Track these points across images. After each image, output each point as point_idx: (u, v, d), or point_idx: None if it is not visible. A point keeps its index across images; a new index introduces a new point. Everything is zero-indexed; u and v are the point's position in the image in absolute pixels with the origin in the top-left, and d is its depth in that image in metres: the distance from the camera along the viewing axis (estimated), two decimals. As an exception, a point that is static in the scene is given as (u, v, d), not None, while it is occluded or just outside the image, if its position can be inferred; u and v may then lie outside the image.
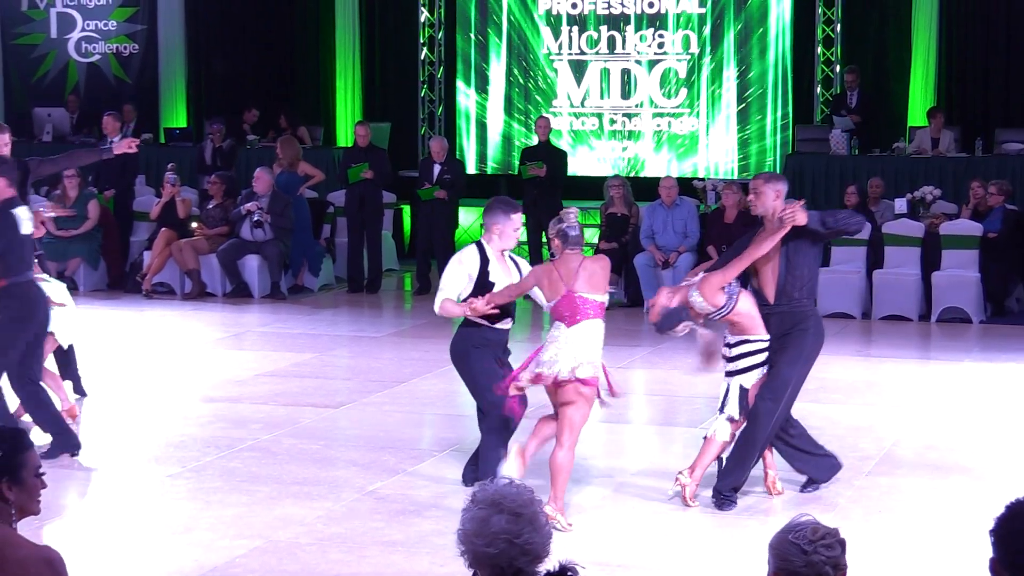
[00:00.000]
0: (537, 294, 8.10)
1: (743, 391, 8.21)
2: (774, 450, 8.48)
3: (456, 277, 8.27)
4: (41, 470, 4.25)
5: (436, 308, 8.31)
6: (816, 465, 8.54)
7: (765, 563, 3.75)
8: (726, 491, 8.26)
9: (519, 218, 8.38)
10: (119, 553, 7.63)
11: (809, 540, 3.66)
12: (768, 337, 8.20)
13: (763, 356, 8.20)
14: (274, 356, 13.00)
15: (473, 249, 8.35)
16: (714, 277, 8.22)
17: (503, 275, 8.29)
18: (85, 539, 7.77)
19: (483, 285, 8.22)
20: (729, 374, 8.28)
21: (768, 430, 8.18)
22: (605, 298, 7.97)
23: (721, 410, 8.28)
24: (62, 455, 9.21)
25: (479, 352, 8.28)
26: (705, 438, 8.39)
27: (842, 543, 3.69)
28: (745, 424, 8.22)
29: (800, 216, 7.92)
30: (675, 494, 8.32)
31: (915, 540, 7.85)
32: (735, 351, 8.25)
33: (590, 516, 8.17)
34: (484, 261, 8.27)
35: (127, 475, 9.04)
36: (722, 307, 8.18)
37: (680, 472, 8.34)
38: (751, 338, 8.21)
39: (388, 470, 9.09)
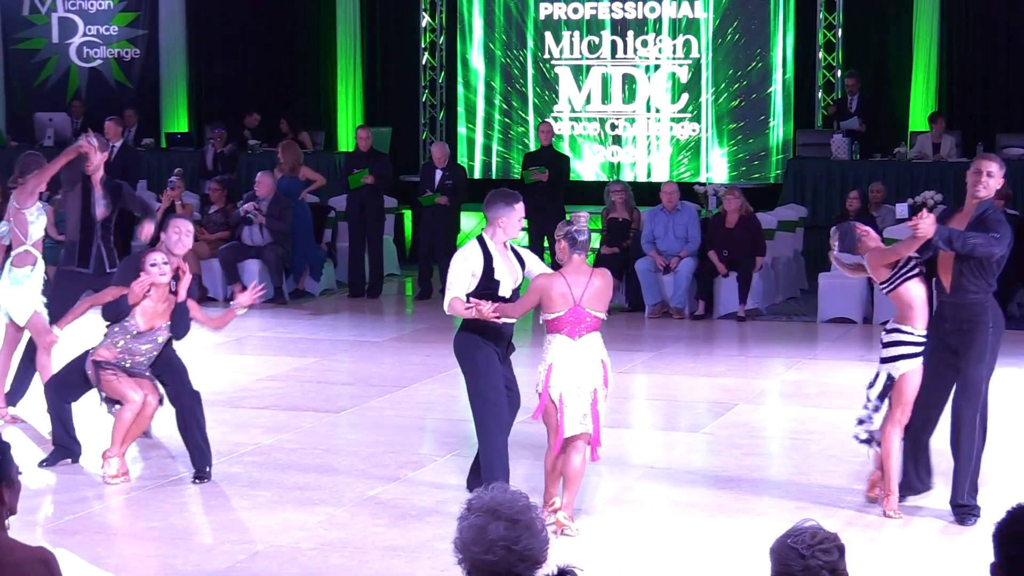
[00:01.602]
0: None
1: (890, 379, 8.09)
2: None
3: (463, 275, 8.12)
4: (19, 470, 4.23)
5: (445, 307, 8.18)
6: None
7: (765, 568, 3.76)
8: (965, 503, 8.12)
9: (521, 207, 8.27)
10: (119, 557, 7.62)
11: (807, 545, 3.68)
12: (924, 333, 8.04)
13: (915, 348, 8.04)
14: (275, 360, 13.00)
15: (475, 246, 8.19)
16: (879, 254, 8.18)
17: (507, 271, 8.18)
18: (86, 543, 7.75)
19: (488, 282, 8.12)
20: (881, 360, 8.18)
21: (975, 435, 8.05)
22: (604, 314, 7.97)
23: (872, 399, 8.19)
24: (62, 461, 9.23)
25: (486, 351, 8.15)
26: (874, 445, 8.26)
27: (840, 548, 3.71)
28: (951, 434, 8.08)
29: (925, 229, 7.80)
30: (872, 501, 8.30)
31: (917, 544, 7.84)
32: (888, 337, 8.13)
33: (590, 520, 8.16)
34: (488, 258, 8.14)
35: (128, 480, 9.03)
36: (882, 282, 8.15)
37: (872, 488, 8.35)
38: (904, 328, 8.06)
39: (389, 475, 9.09)
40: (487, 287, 8.12)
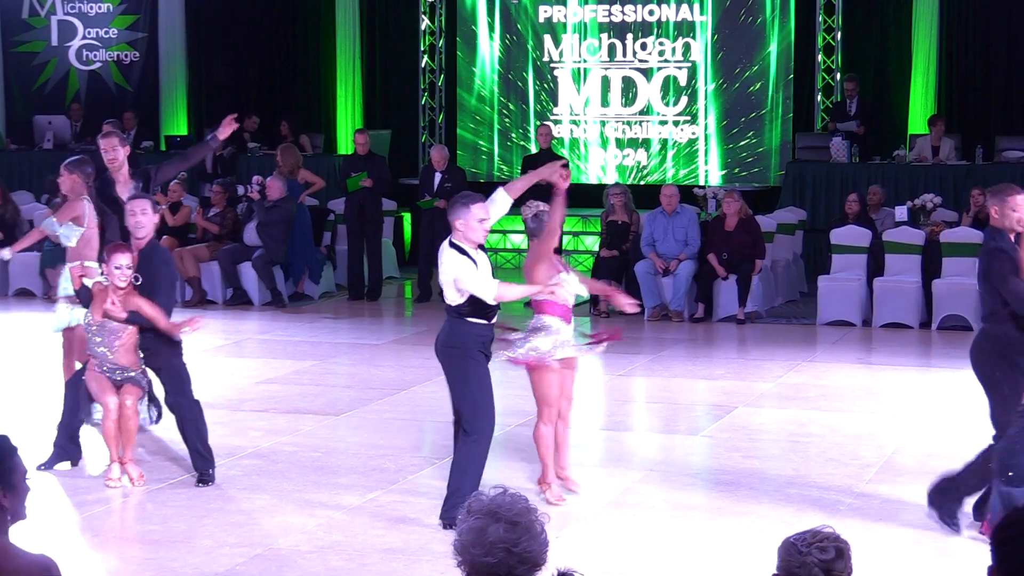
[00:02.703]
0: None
1: None
2: None
3: (473, 267, 8.01)
4: (27, 475, 4.22)
5: (492, 297, 7.98)
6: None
7: (764, 573, 3.79)
8: None
9: (479, 207, 8.10)
10: (119, 560, 7.63)
11: (807, 542, 3.78)
12: None
13: None
14: (274, 363, 13.01)
15: (456, 253, 8.04)
16: None
17: (488, 270, 8.15)
18: (85, 547, 7.76)
19: None
20: None
21: None
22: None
23: None
24: (60, 464, 9.23)
25: (477, 358, 8.09)
26: None
27: (839, 550, 3.76)
28: None
29: None
30: None
31: (916, 548, 7.84)
32: None
33: (590, 524, 8.16)
34: (473, 262, 8.05)
35: (128, 483, 9.03)
36: None
37: None
38: None
39: (388, 478, 9.09)
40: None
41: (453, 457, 8.18)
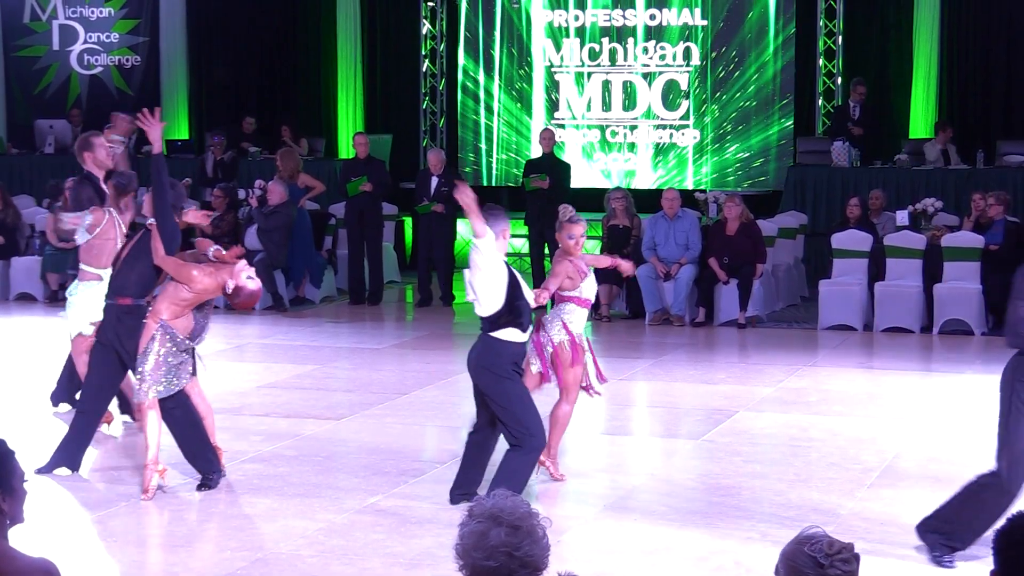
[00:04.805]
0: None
1: None
2: None
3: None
4: (25, 477, 4.21)
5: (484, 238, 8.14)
6: None
7: (765, 574, 3.76)
8: None
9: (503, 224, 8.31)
10: (121, 565, 7.62)
11: (826, 554, 3.60)
12: None
13: None
14: (275, 368, 13.00)
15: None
16: None
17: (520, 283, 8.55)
18: (85, 551, 7.76)
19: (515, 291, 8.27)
20: None
21: None
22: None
23: None
24: (59, 468, 9.23)
25: (512, 376, 8.20)
26: None
27: (858, 558, 3.66)
28: None
29: None
30: None
31: (917, 552, 7.83)
32: None
33: (590, 528, 8.16)
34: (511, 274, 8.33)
35: (128, 487, 9.03)
36: None
37: None
38: None
39: (390, 482, 9.09)
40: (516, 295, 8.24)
41: (501, 462, 8.27)
